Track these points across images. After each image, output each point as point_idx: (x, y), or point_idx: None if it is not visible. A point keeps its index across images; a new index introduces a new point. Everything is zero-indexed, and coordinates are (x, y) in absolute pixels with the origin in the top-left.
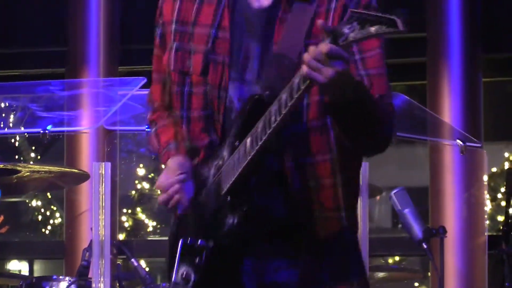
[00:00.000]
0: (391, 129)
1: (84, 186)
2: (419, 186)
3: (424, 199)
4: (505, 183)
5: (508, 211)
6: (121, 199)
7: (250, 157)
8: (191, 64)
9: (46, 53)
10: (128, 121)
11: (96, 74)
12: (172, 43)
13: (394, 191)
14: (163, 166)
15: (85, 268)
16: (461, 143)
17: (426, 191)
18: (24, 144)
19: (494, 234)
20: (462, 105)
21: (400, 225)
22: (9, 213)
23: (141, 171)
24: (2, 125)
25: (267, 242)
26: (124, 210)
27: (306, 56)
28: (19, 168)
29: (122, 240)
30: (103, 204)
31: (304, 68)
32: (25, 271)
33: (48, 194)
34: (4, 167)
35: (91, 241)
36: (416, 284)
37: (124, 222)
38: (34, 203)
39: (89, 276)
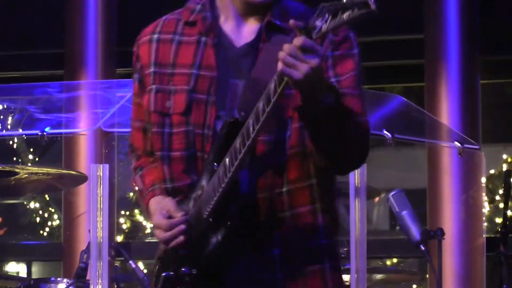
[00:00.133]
0: (367, 143)
1: (82, 188)
2: (417, 188)
3: (422, 201)
4: (503, 185)
5: (506, 213)
6: (119, 201)
7: (230, 174)
8: (171, 104)
9: (44, 55)
10: (126, 123)
11: (94, 76)
12: (151, 85)
13: (392, 193)
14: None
15: (83, 270)
16: (459, 145)
17: (424, 193)
18: (22, 146)
19: (492, 236)
20: (460, 107)
21: (398, 227)
22: (7, 215)
23: None
24: (0, 127)
25: (248, 257)
26: (122, 212)
27: (281, 54)
28: (17, 170)
29: (120, 242)
30: (101, 206)
31: (280, 65)
32: (23, 273)
33: (46, 196)
34: (2, 169)
35: (89, 243)
36: (414, 286)
37: (122, 224)
38: (32, 205)
39: (87, 278)
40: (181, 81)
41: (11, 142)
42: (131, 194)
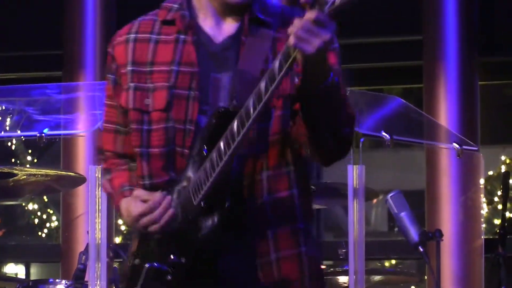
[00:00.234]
0: (352, 131)
1: (81, 190)
2: (415, 190)
3: (421, 202)
4: (501, 186)
5: (505, 214)
6: None
7: (226, 157)
8: (150, 102)
9: (43, 56)
10: None
11: (92, 77)
12: (129, 83)
13: (391, 194)
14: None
15: (82, 272)
16: (457, 146)
17: (422, 194)
18: (21, 147)
19: (491, 237)
20: (458, 109)
21: (396, 229)
22: (5, 216)
23: None
24: None
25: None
26: None
27: (292, 28)
28: (15, 172)
29: (118, 243)
30: (100, 208)
31: (292, 40)
32: (21, 274)
33: (45, 197)
34: (0, 171)
35: (87, 244)
36: (413, 287)
37: (120, 225)
38: (30, 206)
39: (86, 279)
40: (160, 78)
41: (9, 144)
42: None
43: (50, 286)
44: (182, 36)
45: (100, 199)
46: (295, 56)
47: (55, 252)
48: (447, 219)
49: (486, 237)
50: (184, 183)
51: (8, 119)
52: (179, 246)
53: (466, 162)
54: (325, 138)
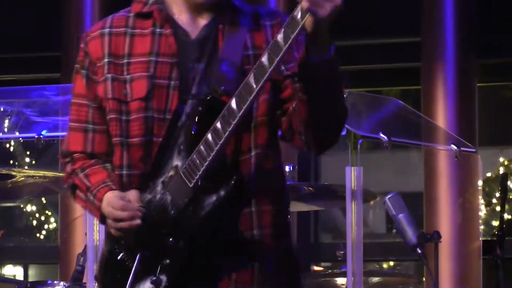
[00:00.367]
0: (345, 107)
1: None
2: (413, 191)
3: (419, 204)
4: (499, 188)
5: (503, 216)
6: None
7: (226, 134)
8: (128, 92)
9: (41, 58)
10: None
11: None
12: (106, 74)
13: (389, 196)
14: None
15: (80, 273)
16: (455, 148)
17: (420, 196)
18: (19, 149)
19: (489, 239)
20: (456, 110)
21: (394, 230)
22: (3, 218)
23: None
24: None
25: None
26: None
27: None
28: (13, 173)
29: None
30: None
31: (305, 4)
32: (19, 276)
33: (43, 199)
34: None
35: (85, 246)
36: None
37: None
38: (28, 208)
39: (84, 281)
40: (139, 68)
41: (7, 145)
42: None
43: (48, 287)
44: (158, 29)
45: None
46: (303, 24)
47: (53, 253)
48: (445, 221)
49: (484, 238)
50: (172, 173)
51: (7, 121)
52: (175, 229)
53: (464, 163)
54: (323, 118)
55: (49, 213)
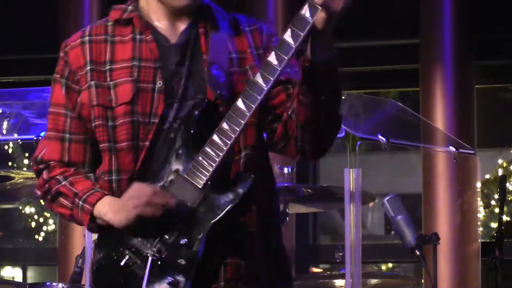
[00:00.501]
0: (341, 111)
1: None
2: (412, 193)
3: (417, 205)
4: (498, 190)
5: (502, 218)
6: None
7: (237, 134)
8: (113, 98)
9: (39, 60)
10: None
11: None
12: (90, 82)
13: (387, 197)
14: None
15: (78, 275)
16: (454, 149)
17: (419, 197)
18: (18, 150)
19: (488, 241)
20: (455, 112)
21: (393, 232)
22: (2, 219)
23: None
24: None
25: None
26: None
27: None
28: (12, 175)
29: None
30: None
31: None
32: (18, 278)
33: (41, 201)
34: None
35: (84, 247)
36: None
37: None
38: (27, 209)
39: (82, 282)
40: (122, 74)
41: (6, 147)
42: None
43: None
44: (138, 36)
45: None
46: (313, 22)
47: (52, 255)
48: (444, 223)
49: (483, 240)
50: (172, 177)
51: (5, 123)
52: (187, 230)
53: (462, 165)
54: (323, 120)
55: (48, 215)
